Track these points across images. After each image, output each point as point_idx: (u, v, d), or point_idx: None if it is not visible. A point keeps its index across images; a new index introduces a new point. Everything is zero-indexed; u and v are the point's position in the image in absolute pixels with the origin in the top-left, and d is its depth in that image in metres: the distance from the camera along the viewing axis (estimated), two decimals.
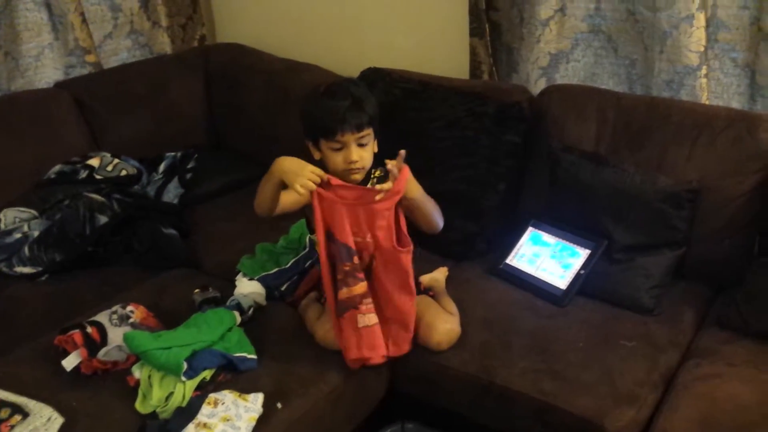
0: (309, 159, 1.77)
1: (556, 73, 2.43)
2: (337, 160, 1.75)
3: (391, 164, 1.66)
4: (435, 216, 1.83)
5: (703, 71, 2.15)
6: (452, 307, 1.91)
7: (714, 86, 2.21)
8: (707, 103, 2.18)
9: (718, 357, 1.79)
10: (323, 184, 1.68)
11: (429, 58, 2.64)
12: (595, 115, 2.17)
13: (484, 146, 2.21)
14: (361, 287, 1.72)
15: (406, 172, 1.67)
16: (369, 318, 1.73)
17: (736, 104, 2.20)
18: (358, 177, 1.78)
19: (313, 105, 1.77)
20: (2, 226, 2.21)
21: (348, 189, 1.71)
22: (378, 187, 1.69)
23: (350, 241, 1.70)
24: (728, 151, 1.98)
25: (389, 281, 1.75)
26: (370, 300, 1.74)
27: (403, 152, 1.65)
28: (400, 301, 1.76)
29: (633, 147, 2.09)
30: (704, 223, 2.00)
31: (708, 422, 1.57)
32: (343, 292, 1.72)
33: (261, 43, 3.00)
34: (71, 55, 2.81)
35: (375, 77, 2.48)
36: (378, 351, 1.76)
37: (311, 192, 1.66)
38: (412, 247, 1.74)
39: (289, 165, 1.69)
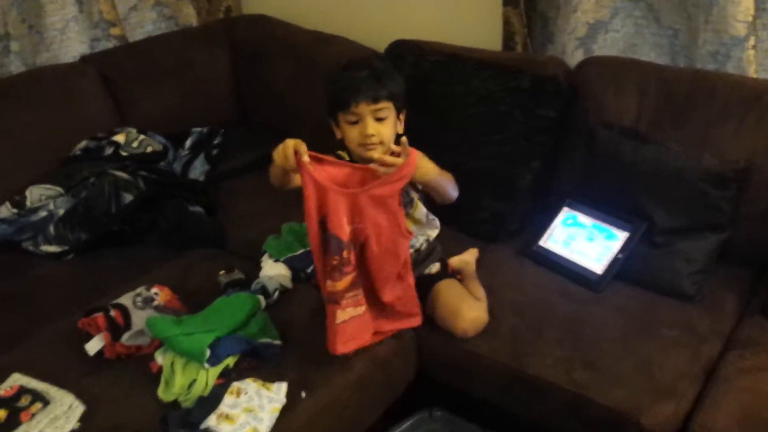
0: (332, 138, 1.71)
1: (594, 44, 2.32)
2: (353, 134, 1.72)
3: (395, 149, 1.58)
4: (450, 190, 1.78)
5: (751, 42, 2.02)
6: (480, 292, 1.85)
7: (762, 58, 2.08)
8: (755, 76, 2.06)
9: (762, 348, 1.70)
10: (313, 161, 1.58)
11: (460, 29, 2.54)
12: (636, 89, 2.07)
13: (517, 122, 2.12)
14: (345, 282, 1.62)
15: (414, 158, 1.57)
16: (349, 312, 1.65)
17: None
18: (375, 154, 1.66)
19: (332, 78, 1.76)
20: (28, 204, 2.19)
21: (338, 166, 1.61)
22: (375, 167, 1.58)
23: (343, 232, 1.59)
24: None
25: (385, 269, 1.66)
26: (354, 293, 1.64)
27: (405, 139, 1.58)
28: (396, 288, 1.69)
29: (676, 123, 1.99)
30: (750, 205, 1.90)
31: (751, 418, 1.49)
32: (327, 285, 1.64)
33: (287, 14, 2.92)
34: (96, 28, 2.76)
35: (403, 50, 2.40)
36: (357, 341, 1.69)
37: (301, 171, 1.57)
38: (412, 234, 1.69)
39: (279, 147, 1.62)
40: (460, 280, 1.89)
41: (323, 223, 1.60)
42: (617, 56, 2.25)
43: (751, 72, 2.05)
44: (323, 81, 2.56)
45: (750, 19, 1.98)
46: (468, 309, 1.77)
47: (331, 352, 1.68)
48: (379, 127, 1.70)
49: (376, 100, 1.68)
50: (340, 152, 1.82)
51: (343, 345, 1.67)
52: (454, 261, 1.94)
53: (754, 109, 1.91)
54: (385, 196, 1.59)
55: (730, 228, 1.91)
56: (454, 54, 2.30)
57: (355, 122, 1.70)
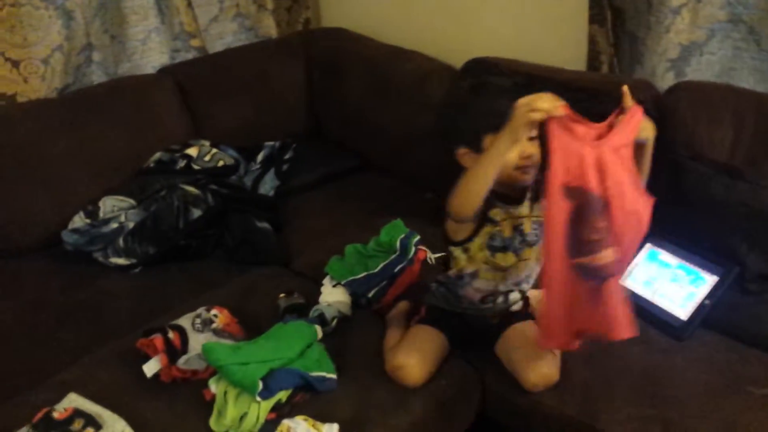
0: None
1: (687, 66, 2.16)
2: (509, 156, 1.49)
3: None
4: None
5: None
6: None
7: None
8: None
9: None
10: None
11: (542, 47, 2.43)
12: (731, 119, 1.91)
13: None
14: (611, 252, 1.44)
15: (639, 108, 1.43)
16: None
17: None
18: (528, 178, 1.57)
19: (471, 105, 1.59)
20: (100, 215, 2.21)
21: (584, 124, 1.41)
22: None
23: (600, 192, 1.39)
24: None
25: (628, 237, 1.45)
26: None
27: (626, 88, 1.43)
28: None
29: None
30: None
31: None
32: (595, 258, 1.43)
33: (366, 28, 2.88)
34: (177, 39, 2.79)
35: (480, 69, 2.30)
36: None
37: (546, 126, 1.38)
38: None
39: (526, 100, 1.38)
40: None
41: (572, 188, 1.42)
42: (712, 81, 2.09)
43: None
44: (399, 96, 2.57)
45: None
46: (543, 363, 1.64)
47: (618, 338, 1.50)
48: (533, 147, 1.55)
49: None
50: None
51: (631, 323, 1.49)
52: (534, 294, 1.81)
53: None
54: (620, 147, 1.41)
55: None
56: (534, 74, 2.19)
57: None
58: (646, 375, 1.66)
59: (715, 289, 1.77)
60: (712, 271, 1.80)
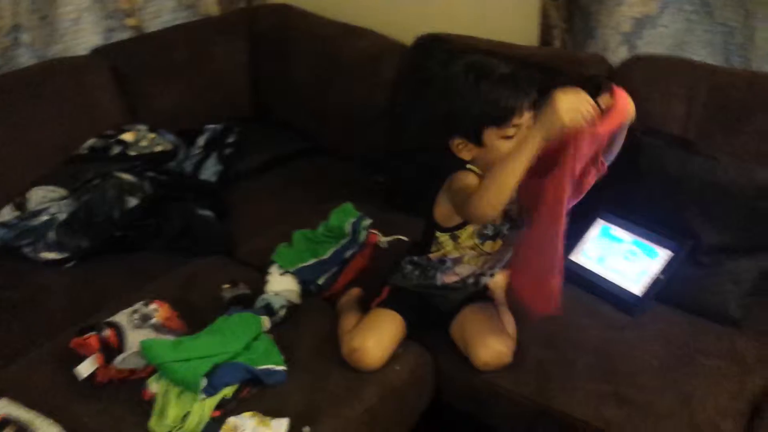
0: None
1: (639, 40, 2.12)
2: (507, 147, 1.45)
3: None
4: None
5: None
6: (511, 326, 1.68)
7: None
8: None
9: None
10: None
11: (494, 22, 2.36)
12: (685, 93, 1.88)
13: None
14: None
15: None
16: None
17: None
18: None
19: (470, 94, 1.45)
20: (29, 207, 2.08)
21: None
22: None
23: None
24: None
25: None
26: None
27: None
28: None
29: (728, 132, 1.80)
30: None
31: None
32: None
33: (312, 4, 2.76)
34: (111, 18, 2.64)
35: (432, 45, 2.22)
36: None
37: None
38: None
39: (570, 101, 1.34)
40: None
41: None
42: (665, 55, 2.05)
43: None
44: (350, 75, 2.47)
45: None
46: (495, 341, 1.60)
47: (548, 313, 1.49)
48: None
49: (534, 104, 1.44)
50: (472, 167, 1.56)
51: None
52: (495, 279, 1.77)
53: None
54: (603, 134, 1.43)
55: None
56: (488, 51, 2.10)
57: (512, 135, 1.45)
58: (602, 352, 1.63)
59: (670, 263, 1.75)
60: (666, 246, 1.78)
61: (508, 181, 1.38)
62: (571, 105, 1.34)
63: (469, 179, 1.52)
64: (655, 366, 1.59)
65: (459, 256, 1.64)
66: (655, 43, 2.12)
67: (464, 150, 1.51)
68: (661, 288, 1.74)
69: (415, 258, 1.70)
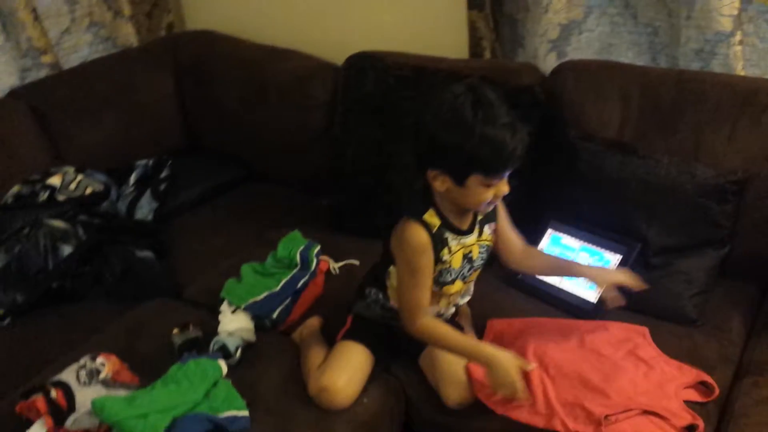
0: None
1: (568, 46, 2.15)
2: (485, 195, 1.43)
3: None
4: None
5: (738, 37, 1.87)
6: None
7: (749, 53, 1.94)
8: (743, 73, 1.91)
9: None
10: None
11: (423, 37, 2.36)
12: (618, 96, 1.91)
13: None
14: None
15: None
16: None
17: None
18: (490, 208, 1.51)
19: (465, 135, 1.35)
20: None
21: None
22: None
23: None
24: None
25: None
26: None
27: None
28: None
29: (664, 131, 1.84)
30: (748, 215, 1.76)
31: None
32: None
33: (235, 28, 2.71)
34: (26, 57, 2.52)
35: (364, 64, 2.20)
36: None
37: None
38: None
39: (506, 370, 1.46)
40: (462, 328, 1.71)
41: None
42: (594, 59, 2.09)
43: (738, 69, 1.90)
44: (279, 98, 2.42)
45: (735, 12, 1.83)
46: (466, 381, 1.56)
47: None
48: (507, 186, 1.46)
49: (522, 158, 1.41)
50: (429, 218, 1.50)
51: None
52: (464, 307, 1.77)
53: (747, 111, 1.76)
54: None
55: (730, 242, 1.76)
56: (420, 66, 2.11)
57: (493, 184, 1.42)
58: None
59: (620, 267, 1.77)
60: (614, 250, 1.80)
61: (442, 347, 1.55)
62: (507, 374, 1.45)
63: (417, 239, 1.47)
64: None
65: None
66: (583, 48, 2.15)
67: (439, 182, 1.44)
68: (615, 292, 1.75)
69: (380, 297, 1.66)
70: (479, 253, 1.59)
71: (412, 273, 1.49)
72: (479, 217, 1.57)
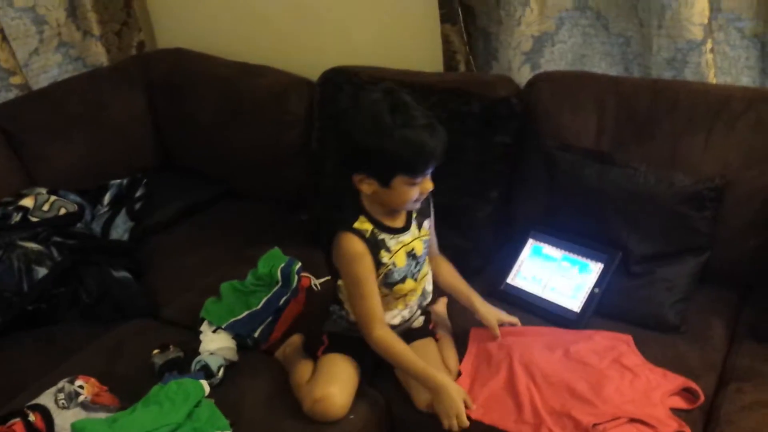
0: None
1: (541, 58, 2.17)
2: (411, 194, 1.48)
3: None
4: None
5: (709, 45, 1.90)
6: (453, 360, 1.66)
7: (720, 61, 1.97)
8: (714, 81, 1.94)
9: (762, 379, 1.57)
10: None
11: (397, 52, 2.36)
12: (593, 105, 1.93)
13: (470, 150, 1.96)
14: None
15: None
16: None
17: (746, 80, 1.97)
18: (417, 206, 1.57)
19: (386, 138, 1.40)
20: None
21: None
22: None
23: None
24: (750, 138, 1.76)
25: None
26: None
27: None
28: None
29: (640, 140, 1.86)
30: (726, 222, 1.77)
31: None
32: None
33: (207, 46, 2.69)
34: None
35: (339, 79, 2.20)
36: None
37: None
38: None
39: (453, 399, 1.48)
40: (437, 339, 1.71)
41: None
42: (569, 70, 2.11)
43: (710, 77, 1.93)
44: (253, 115, 2.41)
45: (706, 21, 1.86)
46: None
47: None
48: (430, 183, 1.51)
49: (443, 155, 1.46)
50: (361, 225, 1.53)
51: None
52: (437, 310, 1.79)
53: (721, 118, 1.79)
54: None
55: (709, 248, 1.78)
56: (395, 80, 2.09)
57: (418, 183, 1.47)
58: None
59: (602, 276, 1.78)
60: (596, 259, 1.80)
61: (396, 364, 1.56)
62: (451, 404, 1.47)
63: (352, 249, 1.50)
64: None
65: None
66: (556, 59, 2.17)
67: (366, 185, 1.49)
68: (598, 301, 1.76)
69: (343, 313, 1.66)
70: (423, 248, 1.62)
71: (356, 284, 1.52)
72: (414, 214, 1.60)
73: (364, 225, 1.53)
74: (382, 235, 1.54)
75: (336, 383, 1.56)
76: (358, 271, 1.51)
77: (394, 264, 1.55)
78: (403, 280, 1.58)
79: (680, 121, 1.81)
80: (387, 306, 1.60)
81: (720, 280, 1.83)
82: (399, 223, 1.57)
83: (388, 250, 1.54)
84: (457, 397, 1.47)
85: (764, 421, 1.45)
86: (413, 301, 1.65)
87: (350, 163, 1.49)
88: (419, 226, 1.61)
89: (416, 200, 1.51)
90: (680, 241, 1.76)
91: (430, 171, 1.48)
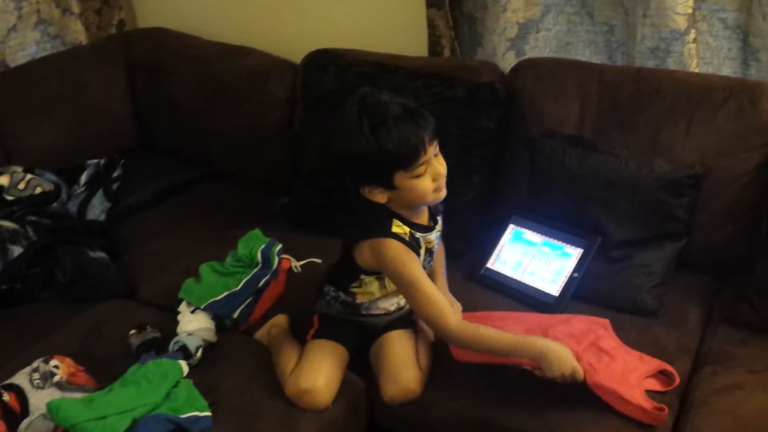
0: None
1: (526, 44, 2.17)
2: (425, 185, 1.43)
3: None
4: None
5: (692, 35, 1.91)
6: (426, 356, 1.64)
7: (702, 51, 1.99)
8: (697, 70, 1.96)
9: (736, 362, 1.59)
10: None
11: (382, 35, 2.35)
12: (577, 93, 1.93)
13: (454, 135, 1.94)
14: None
15: None
16: None
17: (727, 70, 1.99)
18: (444, 192, 1.48)
19: (362, 144, 1.38)
20: None
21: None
22: None
23: None
24: (729, 126, 1.78)
25: None
26: None
27: None
28: None
29: (622, 127, 1.86)
30: (704, 208, 1.79)
31: None
32: None
33: (189, 26, 2.66)
34: None
35: (324, 61, 2.18)
36: None
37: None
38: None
39: (564, 357, 1.42)
40: (417, 331, 1.70)
41: None
42: (553, 57, 2.11)
43: (693, 66, 1.95)
44: (235, 97, 2.39)
45: (690, 11, 1.88)
46: (404, 377, 1.56)
47: None
48: (442, 165, 1.46)
49: (435, 133, 1.42)
50: (398, 228, 1.50)
51: None
52: None
53: (702, 107, 1.80)
54: None
55: (687, 234, 1.80)
56: (381, 63, 2.10)
57: (423, 173, 1.42)
58: None
59: (581, 261, 1.79)
60: (576, 244, 1.81)
61: (486, 347, 1.46)
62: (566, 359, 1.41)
63: (399, 253, 1.46)
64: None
65: (384, 294, 1.62)
66: (541, 47, 2.18)
67: (377, 195, 1.46)
68: (576, 286, 1.77)
69: (341, 295, 1.64)
70: (436, 242, 1.62)
71: (413, 283, 1.46)
72: (438, 210, 1.61)
73: (401, 228, 1.49)
74: (418, 235, 1.53)
75: (322, 375, 1.54)
76: (412, 271, 1.46)
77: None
78: None
79: (662, 109, 1.83)
80: (392, 296, 1.61)
81: (697, 265, 1.85)
82: (425, 220, 1.56)
83: (421, 248, 1.54)
84: (565, 353, 1.41)
85: (737, 403, 1.48)
86: None
87: (350, 179, 1.46)
88: (436, 222, 1.61)
89: (436, 189, 1.45)
90: (659, 227, 1.77)
91: (424, 157, 1.41)
